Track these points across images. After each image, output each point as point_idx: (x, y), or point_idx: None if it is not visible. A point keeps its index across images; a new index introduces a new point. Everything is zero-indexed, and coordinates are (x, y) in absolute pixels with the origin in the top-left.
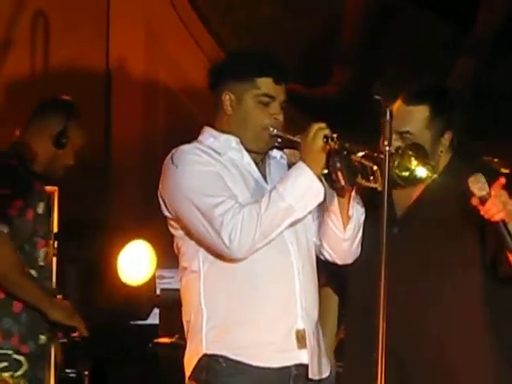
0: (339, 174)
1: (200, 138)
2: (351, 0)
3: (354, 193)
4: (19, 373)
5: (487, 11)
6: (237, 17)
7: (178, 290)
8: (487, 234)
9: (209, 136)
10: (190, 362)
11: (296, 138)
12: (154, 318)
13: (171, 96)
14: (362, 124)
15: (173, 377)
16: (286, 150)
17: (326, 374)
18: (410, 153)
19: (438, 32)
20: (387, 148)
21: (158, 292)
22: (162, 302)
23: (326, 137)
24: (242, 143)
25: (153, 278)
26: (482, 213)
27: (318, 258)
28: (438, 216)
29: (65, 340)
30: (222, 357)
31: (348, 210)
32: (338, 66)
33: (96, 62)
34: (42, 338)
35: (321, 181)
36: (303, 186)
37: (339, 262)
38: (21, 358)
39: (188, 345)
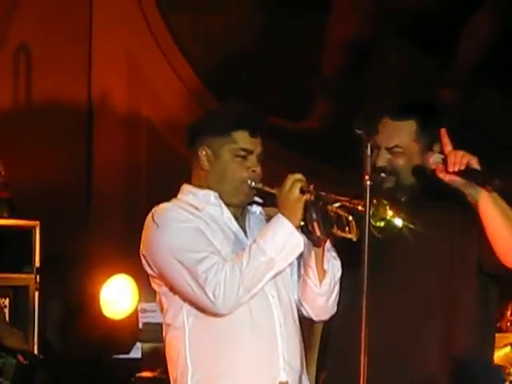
0: (315, 224)
1: (179, 195)
2: (331, 35)
3: (329, 245)
4: None
5: (469, 42)
6: (218, 50)
7: (160, 324)
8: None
9: (187, 193)
10: None
11: (273, 191)
12: (136, 352)
13: (153, 129)
14: (344, 158)
15: None
16: (265, 208)
17: None
18: (385, 202)
19: (420, 64)
20: (368, 182)
21: (140, 326)
22: (145, 336)
23: (302, 188)
24: (221, 198)
25: (135, 312)
26: (448, 169)
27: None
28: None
29: (27, 361)
30: None
31: (323, 262)
32: (319, 99)
33: (78, 95)
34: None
35: (300, 232)
36: (283, 238)
37: (315, 318)
38: None
39: None
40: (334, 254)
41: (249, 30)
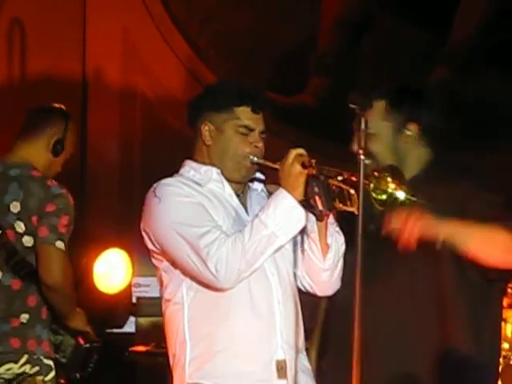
0: (317, 198)
1: (181, 171)
2: (327, 10)
3: (332, 219)
4: (49, 377)
5: (463, 20)
6: (214, 26)
7: (154, 299)
8: None
9: (189, 169)
10: None
11: (275, 166)
12: (130, 327)
13: (148, 105)
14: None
15: None
16: (267, 184)
17: None
18: (387, 175)
19: (414, 40)
20: (362, 157)
21: (134, 300)
22: (138, 310)
23: (303, 162)
24: (222, 174)
25: (129, 286)
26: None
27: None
28: None
29: (87, 345)
30: None
31: (326, 237)
32: (314, 74)
33: (73, 70)
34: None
35: (302, 206)
36: (284, 213)
37: (319, 293)
38: (50, 362)
39: (174, 378)
40: (337, 228)
41: (245, 6)
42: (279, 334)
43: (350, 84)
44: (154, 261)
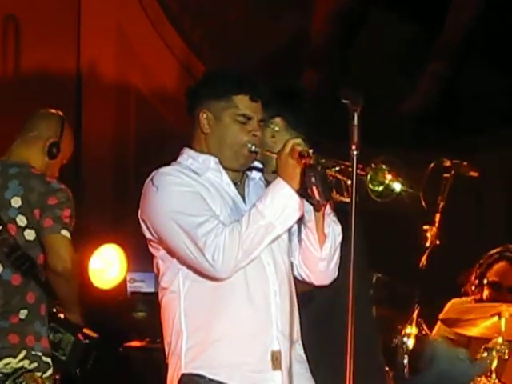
0: (314, 188)
1: (179, 159)
2: (320, 5)
3: (329, 209)
4: (47, 374)
5: (457, 15)
6: (207, 20)
7: (148, 294)
8: None
9: (187, 157)
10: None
11: (273, 155)
12: (124, 322)
13: (142, 99)
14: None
15: (143, 380)
16: (265, 173)
17: None
18: (384, 167)
19: (407, 34)
20: (355, 152)
21: (128, 296)
22: (133, 306)
23: (301, 152)
24: (220, 163)
25: (124, 282)
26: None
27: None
28: None
29: (87, 341)
30: (200, 376)
31: (323, 227)
32: (308, 68)
33: (67, 65)
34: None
35: (299, 196)
36: (282, 202)
37: (316, 282)
38: (49, 360)
39: (169, 367)
40: (334, 218)
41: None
42: (275, 324)
43: (342, 79)
44: (151, 249)
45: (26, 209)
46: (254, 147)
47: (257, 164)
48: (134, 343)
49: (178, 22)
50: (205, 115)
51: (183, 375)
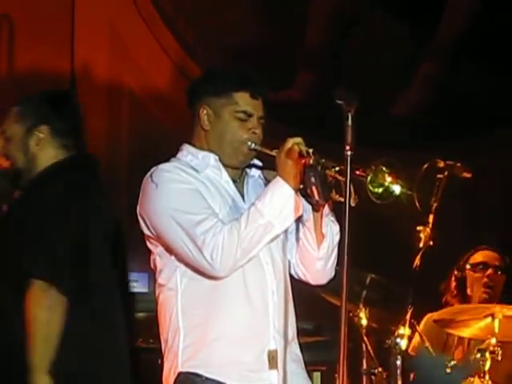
0: (314, 188)
1: (178, 155)
2: (316, 6)
3: (327, 210)
4: None
5: (452, 17)
6: (202, 21)
7: (142, 294)
8: None
9: (187, 153)
10: (167, 381)
11: (273, 153)
12: None
13: (136, 100)
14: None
15: (136, 381)
16: (264, 171)
17: None
18: (384, 169)
19: (401, 35)
20: (349, 152)
21: None
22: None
23: (301, 151)
24: (220, 160)
25: None
26: None
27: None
28: None
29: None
30: (197, 374)
31: (321, 226)
32: (303, 69)
33: (61, 65)
34: None
35: (298, 195)
36: (281, 201)
37: (312, 282)
38: None
39: (165, 364)
40: (333, 218)
41: (233, 1)
42: (272, 324)
43: (337, 80)
44: (149, 245)
45: None
46: (253, 145)
47: (256, 162)
48: None
49: (172, 23)
50: (205, 111)
51: (180, 373)
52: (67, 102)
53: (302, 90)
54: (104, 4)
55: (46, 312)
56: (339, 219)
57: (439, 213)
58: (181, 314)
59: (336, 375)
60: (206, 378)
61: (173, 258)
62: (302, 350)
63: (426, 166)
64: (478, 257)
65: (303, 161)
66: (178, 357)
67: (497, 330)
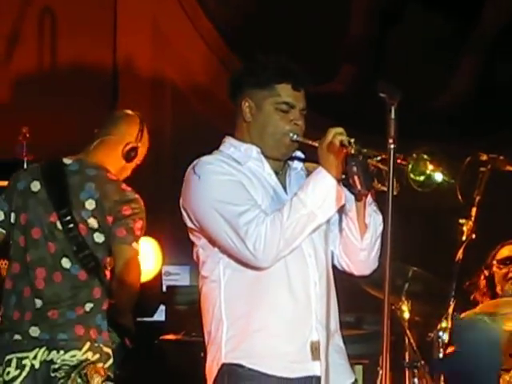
0: (356, 178)
1: (221, 147)
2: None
3: (370, 199)
4: (108, 364)
5: (493, 10)
6: (245, 14)
7: (184, 287)
8: None
9: (229, 146)
10: (210, 373)
11: (315, 143)
12: (160, 315)
13: (178, 93)
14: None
15: (179, 374)
16: (307, 164)
17: None
18: (426, 157)
19: (443, 29)
20: (392, 146)
21: (164, 289)
22: (169, 299)
23: (342, 141)
24: (262, 152)
25: (159, 275)
26: None
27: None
28: None
29: (131, 347)
30: (239, 365)
31: (364, 216)
32: (345, 62)
33: (103, 58)
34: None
35: (341, 185)
36: (323, 191)
37: (356, 272)
38: (109, 350)
39: (208, 355)
40: (376, 208)
41: None
42: (314, 315)
43: (379, 73)
44: (192, 237)
45: (100, 213)
46: (295, 136)
47: (299, 154)
48: (170, 337)
49: (214, 15)
50: (247, 104)
51: (223, 365)
52: None
53: (345, 82)
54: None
55: None
56: (382, 211)
57: (482, 206)
58: (224, 306)
59: (378, 368)
60: (249, 369)
61: (216, 249)
62: (344, 343)
63: (468, 159)
64: (504, 251)
65: (345, 150)
66: (221, 348)
67: None
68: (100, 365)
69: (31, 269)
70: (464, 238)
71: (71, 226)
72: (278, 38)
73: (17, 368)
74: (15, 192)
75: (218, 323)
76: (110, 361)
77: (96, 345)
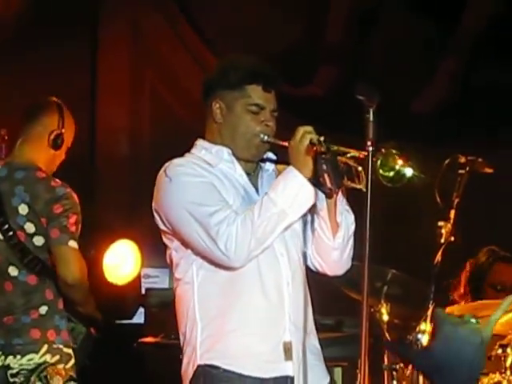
0: (326, 176)
1: (192, 150)
2: (336, 3)
3: (341, 197)
4: (69, 365)
5: (473, 14)
6: (224, 18)
7: (163, 290)
8: None
9: (201, 148)
10: (186, 374)
11: (285, 143)
12: (139, 318)
13: (157, 96)
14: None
15: (158, 376)
16: (279, 165)
17: None
18: (394, 152)
19: (423, 31)
20: (370, 148)
21: (143, 291)
22: (147, 301)
23: (312, 139)
24: (233, 154)
25: (138, 278)
26: None
27: None
28: None
29: (98, 335)
30: (215, 367)
31: (336, 215)
32: (323, 64)
33: (82, 63)
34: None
35: (311, 184)
36: (294, 190)
37: (329, 273)
38: (70, 351)
39: (184, 357)
40: (348, 207)
41: None
42: (287, 315)
43: (358, 75)
44: (165, 240)
45: (33, 217)
46: (266, 137)
47: (270, 155)
48: (149, 339)
49: (192, 18)
50: (217, 105)
51: (199, 366)
52: None
53: (323, 85)
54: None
55: None
56: (361, 213)
57: (462, 209)
58: (198, 307)
59: (357, 371)
60: (224, 370)
61: (189, 251)
62: (323, 346)
63: (447, 161)
64: (498, 275)
65: (314, 148)
66: (196, 349)
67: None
68: (61, 366)
69: None
70: (443, 240)
71: (10, 233)
72: (257, 39)
73: None
74: None
75: (193, 324)
76: (72, 361)
77: (55, 346)
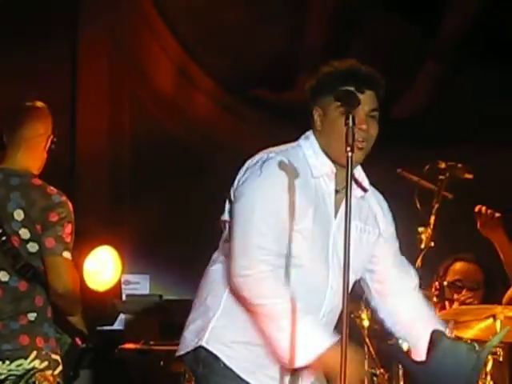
0: None
1: (301, 142)
2: (316, 6)
3: None
4: (57, 371)
5: (454, 18)
6: (203, 24)
7: (143, 296)
8: None
9: (309, 146)
10: (186, 340)
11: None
12: (119, 324)
13: (137, 102)
14: None
15: (138, 382)
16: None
17: None
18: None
19: (405, 35)
20: (349, 154)
21: (123, 297)
22: (128, 308)
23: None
24: (331, 158)
25: (118, 284)
26: None
27: None
28: None
29: (83, 345)
30: (216, 357)
31: None
32: (304, 71)
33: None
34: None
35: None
36: (310, 356)
37: None
38: (58, 357)
39: (193, 316)
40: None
41: (233, 3)
42: None
43: None
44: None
45: (29, 223)
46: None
47: (366, 185)
48: (129, 345)
49: (173, 23)
50: (317, 112)
51: (202, 348)
52: None
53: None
54: (105, 6)
55: None
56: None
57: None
58: (229, 294)
59: None
60: (224, 365)
61: None
62: None
63: (427, 167)
64: (455, 273)
65: None
66: (207, 329)
67: (498, 331)
68: (49, 372)
69: None
70: (423, 246)
71: (4, 238)
72: (238, 46)
73: None
74: None
75: (217, 302)
76: (60, 368)
77: (44, 352)
